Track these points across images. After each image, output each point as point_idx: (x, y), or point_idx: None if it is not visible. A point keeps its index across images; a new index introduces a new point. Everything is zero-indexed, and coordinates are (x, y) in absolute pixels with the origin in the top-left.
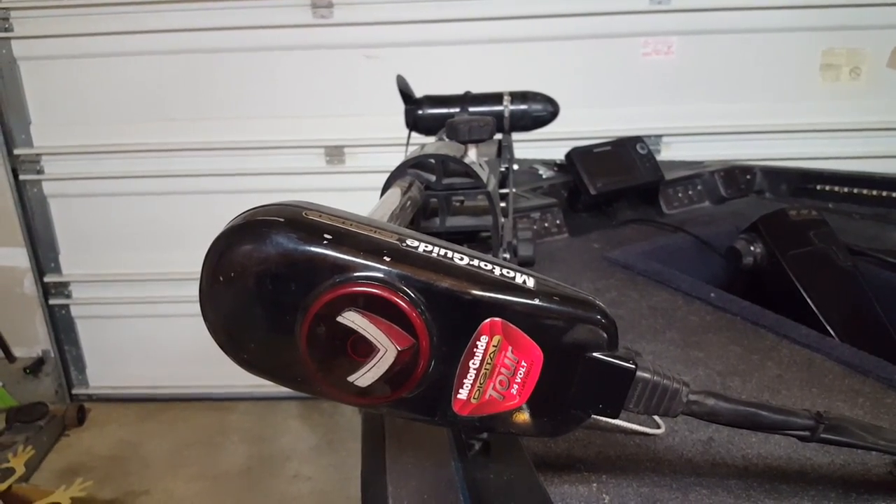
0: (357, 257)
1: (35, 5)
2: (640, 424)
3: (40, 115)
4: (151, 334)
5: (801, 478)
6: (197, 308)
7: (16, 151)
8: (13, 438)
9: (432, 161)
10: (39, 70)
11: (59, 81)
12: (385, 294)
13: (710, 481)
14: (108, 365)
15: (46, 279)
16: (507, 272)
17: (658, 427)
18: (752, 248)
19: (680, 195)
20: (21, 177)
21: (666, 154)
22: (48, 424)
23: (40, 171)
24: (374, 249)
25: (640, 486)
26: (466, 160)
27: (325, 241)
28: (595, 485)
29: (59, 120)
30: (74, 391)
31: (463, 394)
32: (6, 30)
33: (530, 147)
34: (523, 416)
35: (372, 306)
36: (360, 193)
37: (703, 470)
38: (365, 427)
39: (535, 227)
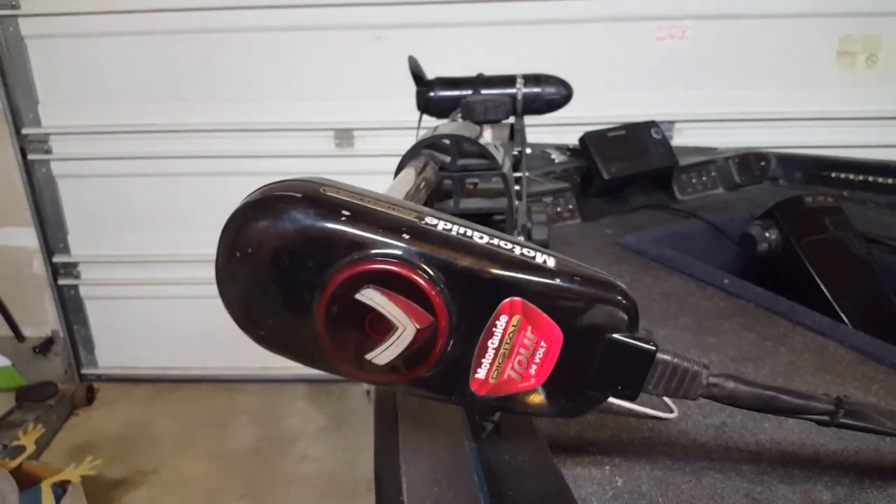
0: (375, 234)
1: None
2: (652, 408)
3: (48, 94)
4: (160, 315)
5: (814, 463)
6: (205, 290)
7: (24, 131)
8: (23, 417)
9: (446, 142)
10: (47, 48)
11: (67, 60)
12: (404, 272)
13: (724, 466)
14: (117, 345)
15: (55, 259)
16: (528, 251)
17: (671, 411)
18: (766, 235)
19: (694, 181)
20: (29, 156)
21: (678, 140)
22: (57, 404)
23: (48, 151)
24: (392, 226)
25: (654, 469)
26: (482, 141)
27: (343, 218)
28: (608, 468)
29: (67, 99)
30: (83, 371)
31: (481, 373)
32: (13, 7)
33: (540, 132)
34: (541, 397)
35: (390, 284)
36: (369, 177)
37: (716, 454)
38: (378, 407)
39: (547, 211)
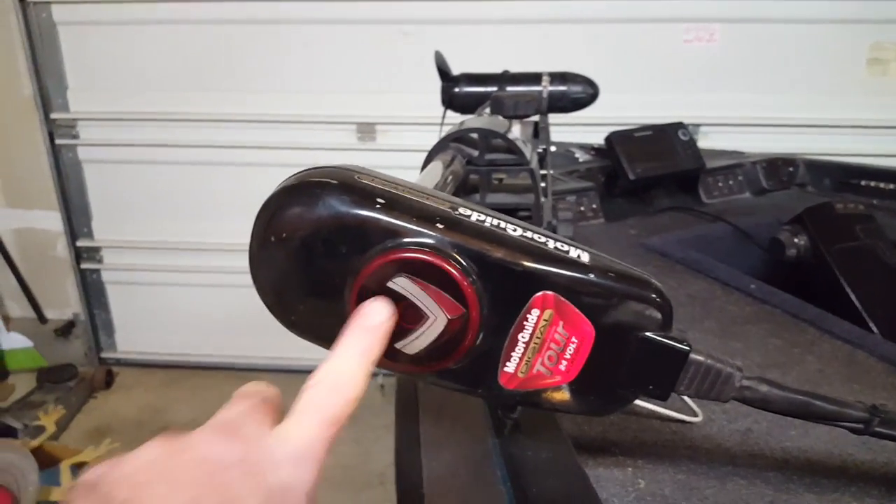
0: (409, 223)
1: None
2: (676, 411)
3: (77, 79)
4: (179, 303)
5: (841, 473)
6: (225, 278)
7: (52, 115)
8: (44, 398)
9: (474, 136)
10: (78, 35)
11: (98, 47)
12: (437, 261)
13: (748, 472)
14: (136, 330)
15: (79, 243)
16: (562, 245)
17: (695, 415)
18: (795, 241)
19: (720, 184)
20: (57, 141)
21: (703, 144)
22: (77, 386)
23: (76, 136)
24: (426, 216)
25: (677, 472)
26: (510, 136)
27: (377, 206)
28: (630, 469)
29: (96, 86)
30: (103, 355)
31: (510, 367)
32: None
33: (565, 131)
34: (570, 394)
35: (423, 273)
36: (391, 172)
37: (740, 460)
38: (399, 400)
39: (571, 209)
